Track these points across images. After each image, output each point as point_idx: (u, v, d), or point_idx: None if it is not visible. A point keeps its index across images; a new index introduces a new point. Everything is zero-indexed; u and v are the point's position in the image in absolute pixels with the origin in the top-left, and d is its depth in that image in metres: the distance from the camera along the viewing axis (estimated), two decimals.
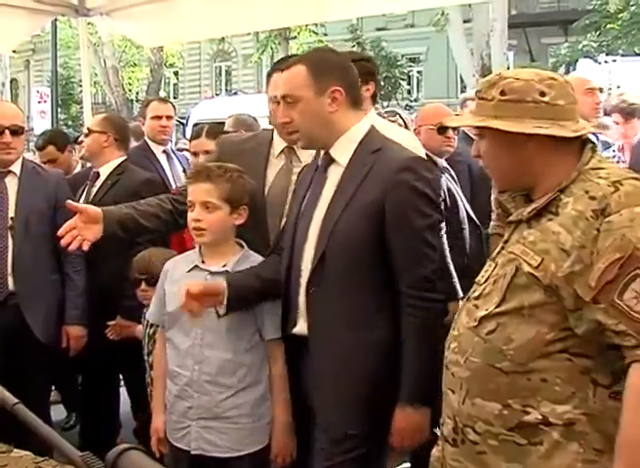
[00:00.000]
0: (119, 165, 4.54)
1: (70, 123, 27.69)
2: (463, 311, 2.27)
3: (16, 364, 3.99)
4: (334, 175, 2.77)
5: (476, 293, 2.25)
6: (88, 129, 4.64)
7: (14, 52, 16.74)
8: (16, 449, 2.45)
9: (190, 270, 3.14)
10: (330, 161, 2.79)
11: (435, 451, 2.37)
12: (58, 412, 5.09)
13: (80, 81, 28.21)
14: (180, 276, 3.16)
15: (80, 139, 5.61)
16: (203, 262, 3.14)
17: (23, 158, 4.27)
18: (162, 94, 27.60)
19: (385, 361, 2.70)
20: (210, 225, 3.04)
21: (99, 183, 4.52)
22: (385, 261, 2.67)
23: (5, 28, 6.63)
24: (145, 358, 3.83)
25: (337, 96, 2.71)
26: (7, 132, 4.04)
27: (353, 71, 2.83)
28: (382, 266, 2.67)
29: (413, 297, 2.64)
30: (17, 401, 1.71)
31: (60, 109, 24.87)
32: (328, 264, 2.70)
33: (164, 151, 5.51)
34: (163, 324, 3.27)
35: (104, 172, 4.53)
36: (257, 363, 3.09)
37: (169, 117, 5.66)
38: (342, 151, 2.75)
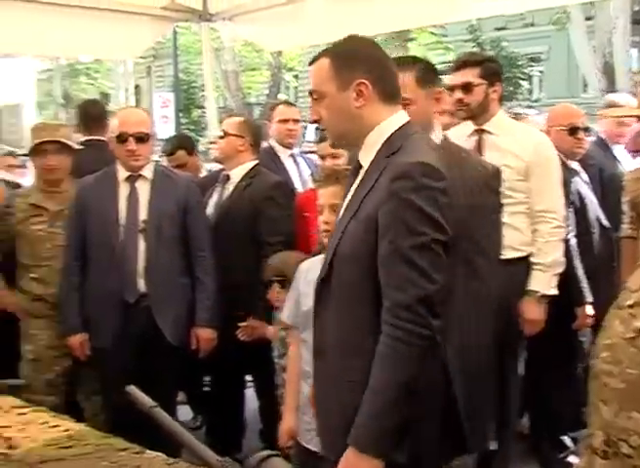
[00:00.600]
0: (252, 168, 4.57)
1: (192, 127, 28.23)
2: (616, 319, 2.17)
3: (145, 364, 4.08)
4: (358, 180, 2.53)
5: (630, 302, 2.16)
6: (224, 131, 4.67)
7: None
8: (148, 451, 2.49)
9: None
10: (358, 164, 2.56)
11: (581, 463, 2.29)
12: (183, 413, 5.17)
13: (201, 86, 28.58)
14: (315, 277, 3.15)
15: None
16: None
17: (155, 162, 4.34)
18: (282, 97, 27.86)
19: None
20: None
21: (230, 186, 4.57)
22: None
23: (131, 35, 6.82)
24: (276, 360, 3.86)
25: (362, 89, 2.43)
26: (131, 139, 4.12)
27: (386, 62, 2.53)
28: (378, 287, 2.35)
29: (386, 324, 2.27)
30: (154, 404, 1.74)
31: (181, 114, 25.42)
32: (332, 281, 2.47)
33: (291, 155, 5.54)
34: (297, 325, 3.31)
35: (237, 174, 4.57)
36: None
37: (295, 121, 5.68)
38: (366, 154, 2.50)
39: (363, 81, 2.42)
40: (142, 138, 4.13)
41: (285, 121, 5.57)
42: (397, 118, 2.47)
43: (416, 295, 2.24)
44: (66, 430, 2.73)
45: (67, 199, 4.37)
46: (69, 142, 4.39)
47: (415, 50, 28.04)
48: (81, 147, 4.62)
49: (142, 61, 30.30)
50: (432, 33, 28.74)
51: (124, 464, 2.37)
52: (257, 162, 4.60)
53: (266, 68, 29.04)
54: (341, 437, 2.32)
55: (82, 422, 2.97)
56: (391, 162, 2.36)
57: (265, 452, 1.42)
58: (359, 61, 2.45)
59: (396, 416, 2.23)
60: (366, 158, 2.48)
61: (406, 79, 3.01)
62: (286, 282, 3.71)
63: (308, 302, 2.98)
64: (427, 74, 3.17)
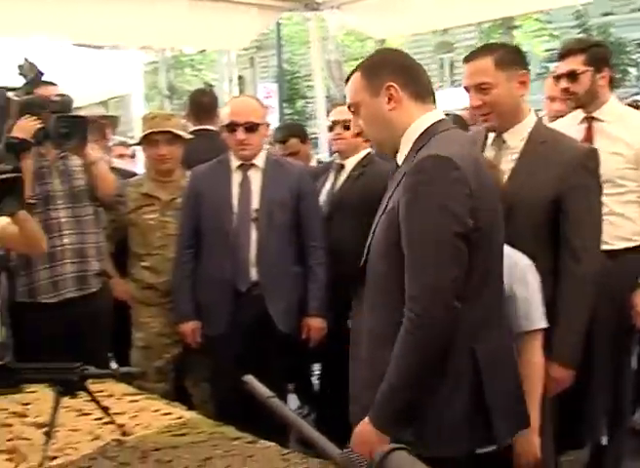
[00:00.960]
0: (364, 157, 4.53)
1: (296, 118, 28.36)
2: None
3: (256, 353, 4.10)
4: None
5: None
6: (337, 121, 4.60)
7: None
8: (261, 440, 2.49)
9: None
10: (396, 165, 2.62)
11: None
12: (290, 402, 5.18)
13: (305, 76, 28.57)
14: None
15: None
16: None
17: (267, 151, 4.35)
18: None
19: None
20: None
21: (344, 175, 4.53)
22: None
23: (237, 26, 6.84)
24: None
25: (392, 92, 2.53)
26: (240, 129, 4.13)
27: (412, 65, 2.64)
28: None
29: (405, 314, 2.37)
30: (271, 394, 1.72)
31: (285, 104, 25.55)
32: (367, 273, 2.57)
33: None
34: None
35: (351, 163, 4.53)
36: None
37: None
38: (402, 153, 2.57)
39: (391, 84, 2.52)
40: (252, 128, 4.13)
41: None
42: (429, 116, 2.54)
43: (424, 288, 2.32)
44: (179, 417, 2.76)
45: (179, 188, 4.42)
46: (180, 132, 4.42)
47: (520, 37, 27.59)
48: (191, 137, 4.64)
49: (246, 53, 30.58)
50: (537, 20, 28.22)
51: (237, 453, 2.38)
52: (369, 150, 4.55)
53: None
54: None
55: (190, 409, 3.00)
56: (417, 157, 2.43)
57: (390, 445, 1.38)
58: (386, 67, 2.56)
59: (404, 399, 2.35)
60: (401, 157, 2.56)
61: (485, 63, 3.13)
62: None
63: None
64: (508, 57, 3.17)
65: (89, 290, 4.19)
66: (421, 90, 2.58)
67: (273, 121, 19.37)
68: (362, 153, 4.51)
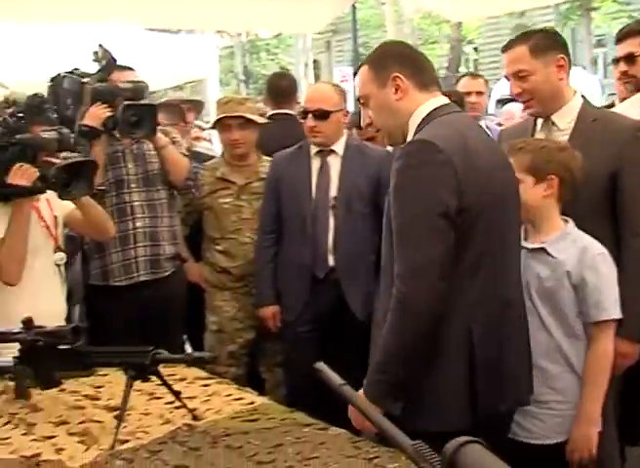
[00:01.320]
0: None
1: None
2: None
3: (331, 339, 4.10)
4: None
5: None
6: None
7: (314, 34, 17.32)
8: (333, 427, 2.45)
9: None
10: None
11: None
12: None
13: None
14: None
15: None
16: (525, 239, 3.01)
17: (347, 136, 4.30)
18: (462, 70, 27.44)
19: None
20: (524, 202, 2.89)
21: None
22: None
23: (313, 9, 6.80)
24: None
25: (399, 83, 2.63)
26: (310, 116, 4.11)
27: (416, 55, 2.78)
28: None
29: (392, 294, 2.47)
30: (343, 382, 1.69)
31: None
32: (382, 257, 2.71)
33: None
34: None
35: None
36: (578, 346, 2.93)
37: (479, 93, 5.52)
38: (408, 139, 2.64)
39: (397, 75, 2.61)
40: (322, 115, 4.09)
41: (468, 93, 5.42)
42: (432, 102, 2.63)
43: (407, 267, 2.42)
44: (250, 403, 2.75)
45: (254, 172, 4.41)
46: (253, 117, 4.39)
47: (598, 19, 27.00)
48: (268, 121, 4.62)
49: (321, 36, 30.53)
50: (615, 1, 27.55)
51: (308, 440, 2.35)
52: None
53: (446, 41, 28.65)
54: None
55: (262, 394, 2.99)
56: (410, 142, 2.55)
57: (464, 438, 1.32)
58: (391, 59, 2.66)
59: (391, 374, 2.44)
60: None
61: (519, 52, 3.20)
62: None
63: None
64: (543, 43, 3.20)
65: (161, 273, 4.21)
66: (426, 78, 2.68)
67: (349, 105, 19.40)
68: None
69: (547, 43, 3.20)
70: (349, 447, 2.29)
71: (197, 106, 5.91)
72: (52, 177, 3.34)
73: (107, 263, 4.12)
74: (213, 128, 4.58)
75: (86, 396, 2.87)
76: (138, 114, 3.87)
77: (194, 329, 4.57)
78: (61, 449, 2.38)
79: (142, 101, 3.94)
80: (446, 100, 2.66)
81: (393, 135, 2.74)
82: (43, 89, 4.04)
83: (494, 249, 2.57)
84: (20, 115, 3.46)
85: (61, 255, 3.64)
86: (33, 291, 3.47)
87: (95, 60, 4.00)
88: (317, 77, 28.65)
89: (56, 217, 3.65)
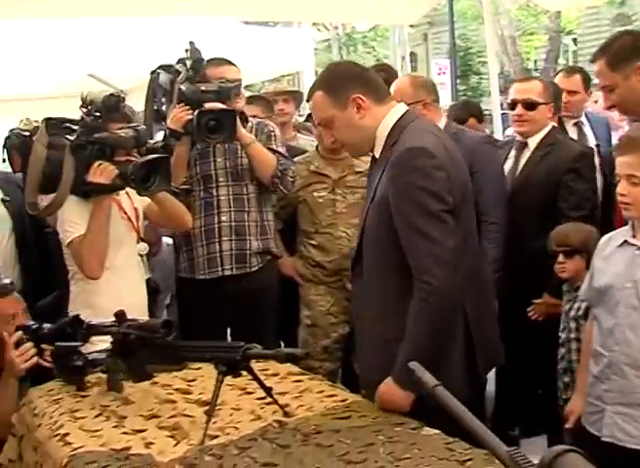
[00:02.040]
0: (547, 134, 4.33)
1: (470, 94, 27.91)
2: None
3: None
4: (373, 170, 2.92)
5: None
6: (532, 101, 4.41)
7: (411, 26, 17.17)
8: (426, 428, 2.40)
9: (620, 245, 3.00)
10: (374, 158, 2.91)
11: None
12: None
13: (478, 52, 28.09)
14: (610, 251, 3.04)
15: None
16: (634, 237, 2.93)
17: (447, 124, 4.29)
18: (561, 61, 26.92)
19: None
20: (634, 199, 2.86)
21: (527, 153, 4.36)
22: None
23: (408, 1, 6.73)
24: (563, 337, 3.78)
25: (359, 102, 2.78)
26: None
27: (366, 72, 2.93)
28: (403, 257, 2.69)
29: (415, 287, 2.64)
30: (437, 382, 1.64)
31: (458, 80, 25.19)
32: (363, 255, 2.85)
33: (575, 123, 5.20)
34: (591, 301, 3.16)
35: (534, 141, 4.35)
36: None
37: (571, 92, 5.31)
38: (377, 148, 2.84)
39: (356, 95, 2.77)
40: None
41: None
42: (393, 112, 2.82)
43: (431, 261, 2.60)
44: (343, 400, 2.71)
45: (348, 166, 4.36)
46: None
47: None
48: None
49: (418, 29, 30.31)
50: None
51: (400, 440, 2.30)
52: (552, 126, 4.36)
53: (544, 32, 28.12)
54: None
55: (355, 390, 2.94)
56: (394, 150, 2.71)
57: (562, 447, 1.27)
58: (345, 81, 2.81)
59: (424, 358, 2.32)
60: (377, 151, 2.83)
61: (599, 66, 3.23)
62: (570, 251, 3.75)
63: (602, 279, 2.99)
64: (621, 55, 3.19)
65: (247, 268, 4.17)
66: (381, 92, 2.86)
67: (446, 98, 19.17)
68: (545, 130, 4.32)
69: (626, 52, 3.16)
70: (442, 448, 2.23)
71: (296, 97, 5.85)
72: (130, 175, 3.41)
73: (194, 256, 4.13)
74: (306, 120, 4.53)
75: (177, 390, 2.88)
76: (216, 119, 3.85)
77: (288, 323, 4.55)
78: (151, 443, 2.39)
79: (220, 106, 3.88)
80: (404, 108, 2.85)
81: (360, 148, 2.96)
82: (143, 83, 4.07)
83: (471, 228, 2.90)
84: (97, 114, 3.53)
85: (144, 246, 3.76)
86: (117, 282, 3.58)
87: (186, 58, 4.00)
88: (414, 70, 28.49)
89: (136, 209, 3.73)
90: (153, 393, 2.85)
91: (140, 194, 3.58)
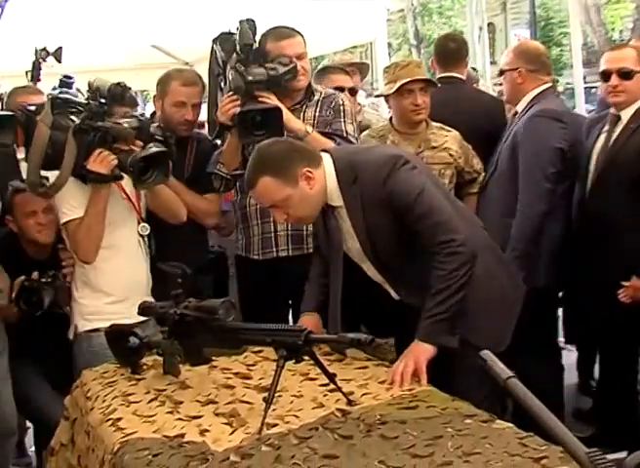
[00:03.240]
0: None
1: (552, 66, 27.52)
2: None
3: None
4: (340, 213, 3.13)
5: None
6: (628, 69, 4.27)
7: None
8: (498, 420, 2.31)
9: None
10: (333, 209, 3.13)
11: None
12: None
13: (560, 22, 27.63)
14: None
15: None
16: None
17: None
18: None
19: None
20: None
21: (620, 127, 4.22)
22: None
23: None
24: None
25: (308, 174, 2.98)
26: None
27: (297, 144, 3.17)
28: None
29: (438, 255, 2.95)
30: (511, 373, 1.57)
31: None
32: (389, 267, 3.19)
33: None
34: None
35: (627, 113, 4.20)
36: None
37: None
38: (334, 198, 3.09)
39: (304, 170, 2.98)
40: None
41: None
42: (328, 165, 3.09)
43: (448, 226, 2.97)
44: (410, 389, 2.64)
45: (424, 141, 4.25)
46: (435, 80, 4.28)
47: None
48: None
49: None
50: None
51: (470, 433, 2.23)
52: None
53: (630, 0, 27.49)
54: None
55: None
56: (362, 181, 3.05)
57: None
58: (290, 160, 2.99)
59: (452, 310, 2.93)
60: (336, 200, 3.10)
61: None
62: None
63: None
64: None
65: (304, 250, 4.09)
66: (314, 155, 3.10)
67: None
68: (638, 104, 4.16)
69: None
70: (515, 443, 2.14)
71: (362, 70, 5.76)
72: (129, 166, 3.49)
73: (249, 235, 4.08)
74: (383, 95, 4.41)
75: (236, 374, 2.86)
76: (262, 115, 3.76)
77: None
78: (206, 431, 2.36)
79: (261, 106, 3.78)
80: (327, 155, 3.13)
81: (313, 216, 3.16)
82: (207, 55, 4.00)
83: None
84: (103, 101, 3.60)
85: (146, 227, 3.84)
86: (116, 262, 3.70)
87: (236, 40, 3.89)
88: (492, 41, 28.12)
89: (137, 190, 3.79)
90: (211, 378, 2.83)
91: (136, 187, 3.68)
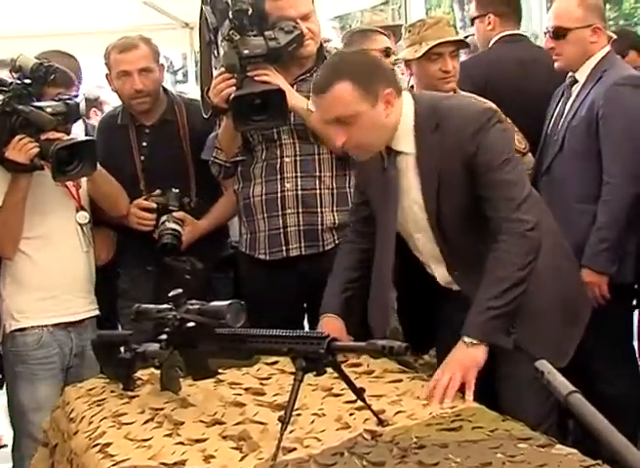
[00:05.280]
0: None
1: (622, 23, 27.36)
2: None
3: None
4: (405, 163, 3.13)
5: None
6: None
7: None
8: (558, 445, 2.31)
9: None
10: (395, 154, 3.13)
11: None
12: None
13: None
14: None
15: None
16: None
17: None
18: None
19: None
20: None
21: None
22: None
23: None
24: None
25: (390, 98, 3.00)
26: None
27: (384, 63, 3.26)
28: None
29: (504, 234, 2.98)
30: (573, 389, 1.57)
31: (607, 5, 24.64)
32: (449, 238, 3.18)
33: None
34: None
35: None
36: None
37: None
38: (403, 142, 3.10)
39: (388, 90, 2.99)
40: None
41: None
42: (407, 102, 3.11)
43: (522, 206, 3.01)
44: (453, 407, 2.66)
45: None
46: (468, 40, 4.27)
47: None
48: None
49: None
50: None
51: (525, 460, 2.23)
52: None
53: None
54: None
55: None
56: (446, 130, 3.05)
57: None
58: (375, 73, 3.01)
59: (509, 309, 2.94)
60: (406, 144, 3.10)
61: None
62: None
63: None
64: None
65: (320, 247, 4.08)
66: (398, 83, 3.12)
67: None
68: None
69: None
70: None
71: (396, 33, 5.74)
72: (49, 156, 3.63)
73: (254, 230, 4.05)
74: (409, 60, 4.38)
75: (247, 390, 2.87)
76: (263, 99, 3.73)
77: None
78: (212, 457, 2.36)
79: (259, 89, 3.74)
80: (409, 94, 3.15)
81: (372, 151, 3.14)
82: None
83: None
84: (28, 82, 3.75)
85: (85, 215, 4.01)
86: (48, 254, 3.90)
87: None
88: None
89: None
90: (217, 394, 2.84)
91: (54, 178, 3.74)
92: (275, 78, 3.74)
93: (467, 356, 2.86)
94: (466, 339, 2.88)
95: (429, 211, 3.14)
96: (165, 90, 4.46)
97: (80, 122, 4.70)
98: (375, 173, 3.23)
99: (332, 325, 3.24)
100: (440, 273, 3.29)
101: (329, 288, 3.44)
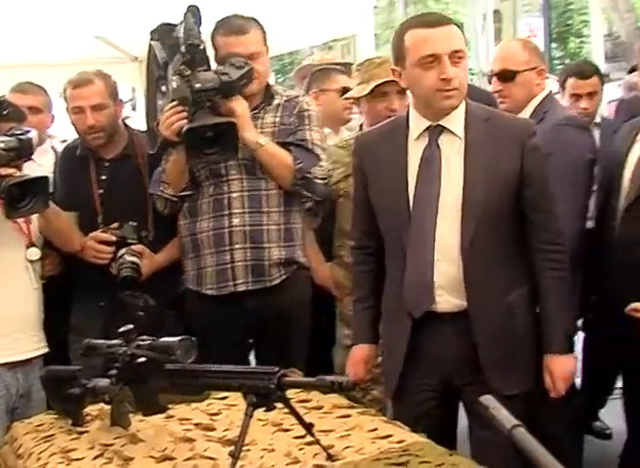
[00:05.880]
0: None
1: (568, 61, 27.65)
2: None
3: None
4: (449, 144, 3.26)
5: None
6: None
7: None
8: None
9: None
10: (441, 131, 3.27)
11: None
12: None
13: (580, 9, 27.76)
14: None
15: None
16: None
17: None
18: None
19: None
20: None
21: None
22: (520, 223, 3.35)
23: None
24: None
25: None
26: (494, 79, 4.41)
27: None
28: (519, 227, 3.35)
29: (547, 253, 3.33)
30: (517, 422, 1.62)
31: (554, 45, 24.95)
32: (477, 234, 3.23)
33: None
34: None
35: None
36: None
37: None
38: (455, 121, 3.27)
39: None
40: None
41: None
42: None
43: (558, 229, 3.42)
44: (400, 441, 2.67)
45: None
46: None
47: None
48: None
49: None
50: None
51: None
52: None
53: None
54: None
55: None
56: (499, 125, 3.32)
57: None
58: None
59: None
60: (456, 124, 3.27)
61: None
62: None
63: None
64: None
65: (267, 282, 4.11)
66: None
67: None
68: None
69: None
70: None
71: (348, 69, 5.82)
72: (1, 192, 3.66)
73: (201, 265, 4.09)
74: (357, 97, 4.41)
75: (197, 425, 2.87)
76: (214, 129, 3.76)
77: (320, 343, 4.47)
78: None
79: (212, 122, 3.77)
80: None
81: (462, 100, 3.29)
82: None
83: None
84: None
85: (35, 251, 4.03)
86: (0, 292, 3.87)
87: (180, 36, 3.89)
88: (498, 31, 28.26)
89: None
90: (167, 429, 2.84)
91: (7, 216, 3.79)
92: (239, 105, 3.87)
93: (561, 365, 3.34)
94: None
95: (467, 196, 3.22)
96: (125, 125, 4.48)
97: (52, 154, 4.79)
98: (392, 152, 3.35)
99: (361, 354, 3.46)
100: (442, 271, 3.23)
101: (357, 316, 3.59)
